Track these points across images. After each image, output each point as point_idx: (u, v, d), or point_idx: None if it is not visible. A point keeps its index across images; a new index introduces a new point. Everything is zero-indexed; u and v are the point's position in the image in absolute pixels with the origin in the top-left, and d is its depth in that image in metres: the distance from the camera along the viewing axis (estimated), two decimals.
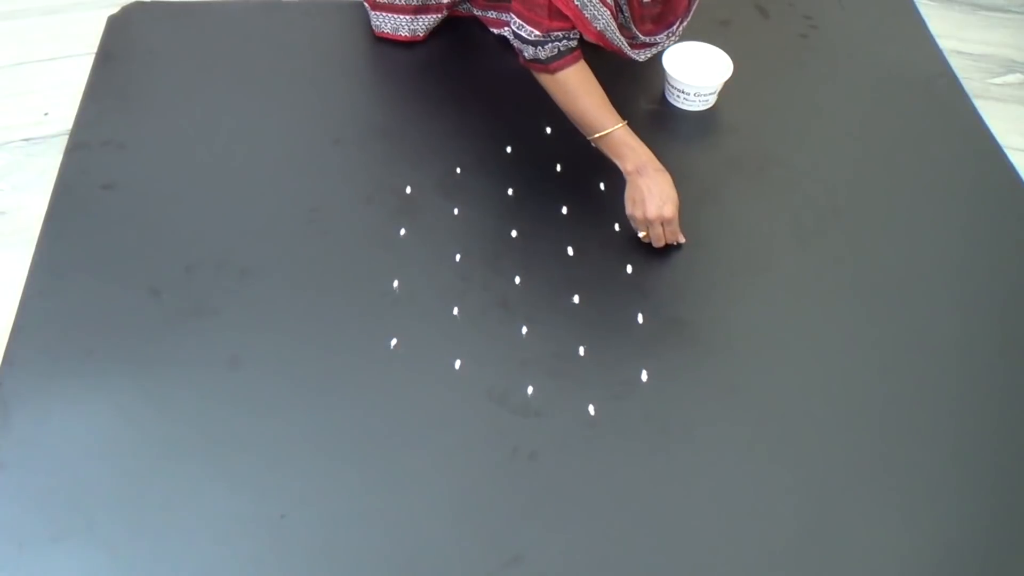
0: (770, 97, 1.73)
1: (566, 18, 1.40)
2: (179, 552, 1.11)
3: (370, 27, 1.75)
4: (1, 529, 1.11)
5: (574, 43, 1.44)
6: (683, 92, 1.64)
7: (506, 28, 1.72)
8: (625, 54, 1.54)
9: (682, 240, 1.43)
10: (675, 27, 1.58)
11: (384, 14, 1.71)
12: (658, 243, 1.41)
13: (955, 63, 1.84)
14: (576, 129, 1.48)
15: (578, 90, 1.44)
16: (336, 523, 1.14)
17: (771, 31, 1.88)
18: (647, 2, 1.49)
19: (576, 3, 1.39)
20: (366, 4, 1.73)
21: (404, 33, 1.73)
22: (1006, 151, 1.65)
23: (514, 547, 1.12)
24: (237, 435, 1.20)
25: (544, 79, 1.46)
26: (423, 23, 1.72)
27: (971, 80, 1.83)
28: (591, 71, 1.46)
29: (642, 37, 1.55)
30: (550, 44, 1.41)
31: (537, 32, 1.40)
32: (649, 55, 1.62)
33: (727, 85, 1.65)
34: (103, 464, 1.17)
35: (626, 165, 1.41)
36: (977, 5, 2.06)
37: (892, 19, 1.94)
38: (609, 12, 1.43)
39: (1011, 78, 1.89)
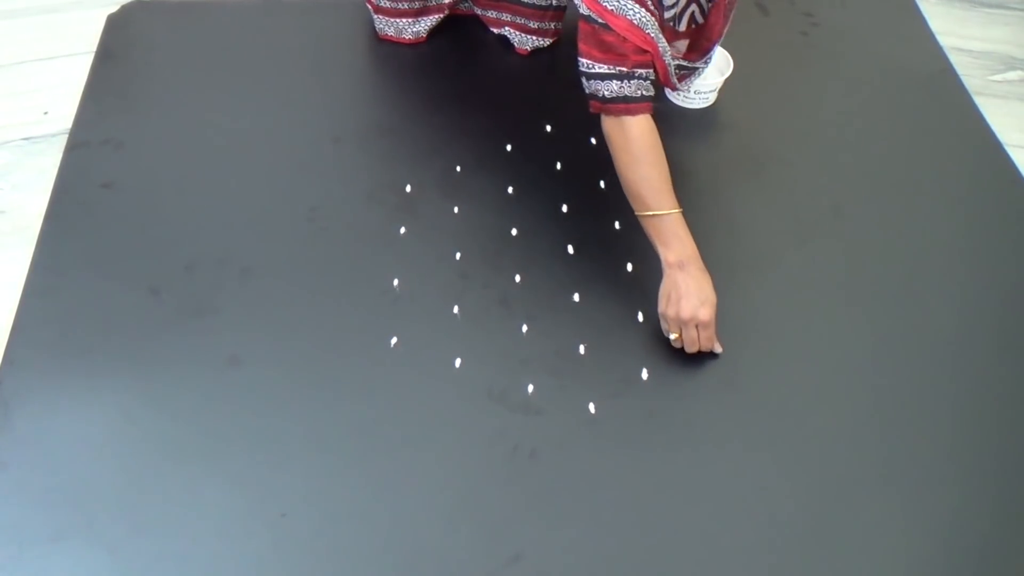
0: (770, 95, 1.73)
1: (646, 52, 1.31)
2: (179, 551, 1.11)
3: (370, 26, 1.75)
4: (1, 528, 1.11)
5: (652, 90, 1.33)
6: (683, 90, 1.64)
7: (506, 28, 1.72)
8: (675, 86, 1.48)
9: (718, 350, 1.32)
10: (710, 53, 1.53)
11: (387, 18, 1.71)
12: (691, 348, 1.30)
13: (955, 60, 1.84)
14: (577, 128, 1.48)
15: (647, 156, 1.31)
16: (336, 522, 1.14)
17: (772, 28, 1.88)
18: (683, 31, 1.42)
19: (652, 35, 1.30)
20: (368, 6, 1.73)
21: (407, 36, 1.73)
22: (1006, 148, 1.65)
23: (514, 545, 1.12)
24: (237, 434, 1.20)
25: (616, 128, 1.32)
26: (425, 24, 1.72)
27: (971, 77, 1.83)
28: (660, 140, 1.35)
29: (684, 63, 1.48)
30: (635, 80, 1.30)
31: (623, 67, 1.29)
32: (689, 85, 1.58)
33: (727, 83, 1.65)
34: (103, 463, 1.17)
35: (669, 256, 1.30)
36: (977, 2, 2.06)
37: (893, 16, 1.94)
38: (676, 43, 1.39)
39: (1011, 75, 1.89)
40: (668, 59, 1.37)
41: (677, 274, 1.29)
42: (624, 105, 1.31)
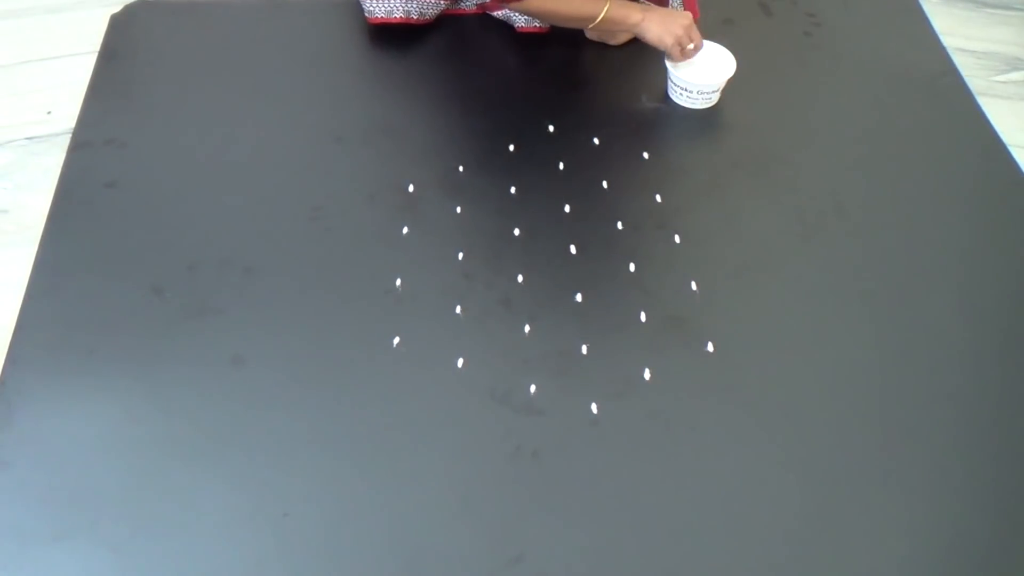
0: (773, 95, 1.73)
1: None
2: (182, 550, 1.11)
3: (365, 16, 1.74)
4: (3, 528, 1.11)
5: None
6: (686, 90, 1.64)
7: (507, 10, 1.71)
8: None
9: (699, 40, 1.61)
10: None
11: None
12: (693, 53, 1.60)
13: (959, 61, 1.83)
14: (579, 128, 1.48)
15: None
16: (339, 521, 1.14)
17: (774, 29, 1.88)
18: None
19: None
20: None
21: (398, 15, 1.70)
22: (1010, 148, 1.65)
23: (516, 546, 1.12)
24: (240, 434, 1.20)
25: (523, 6, 1.56)
26: (416, 4, 1.70)
27: (975, 78, 1.82)
28: None
29: None
30: None
31: None
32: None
33: (730, 83, 1.65)
34: (106, 463, 1.17)
35: (633, 18, 1.56)
36: (981, 3, 2.05)
37: (896, 17, 1.93)
38: None
39: (1015, 75, 1.89)
40: None
41: (651, 16, 1.57)
42: None
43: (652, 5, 1.60)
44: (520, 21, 1.73)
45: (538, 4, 1.55)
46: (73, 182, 1.48)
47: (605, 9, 1.54)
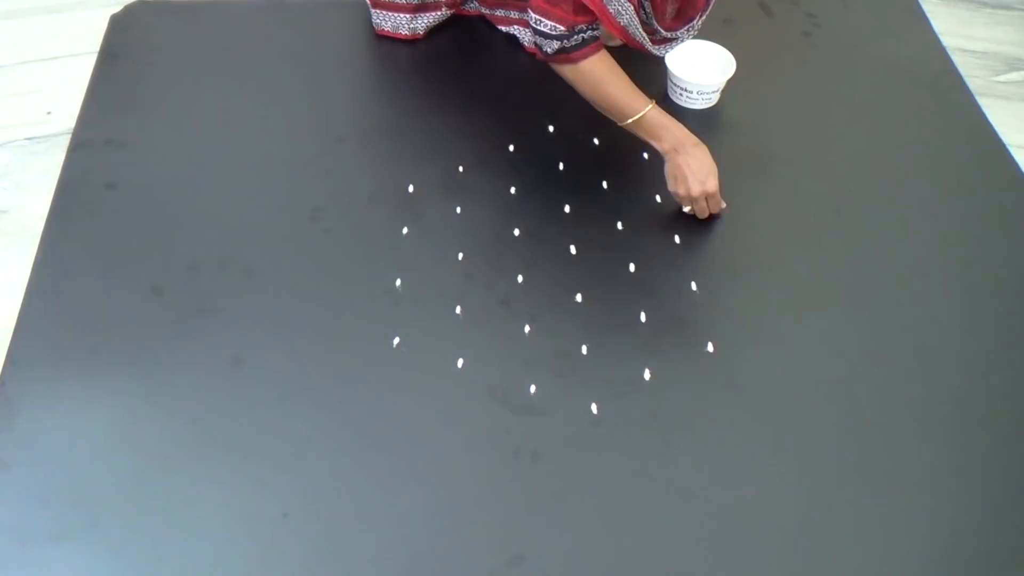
0: (773, 95, 1.73)
1: (590, 12, 1.40)
2: (182, 551, 1.11)
3: (372, 25, 1.75)
4: (3, 528, 1.11)
5: (597, 33, 1.44)
6: (686, 90, 1.64)
7: (515, 26, 1.72)
8: (646, 49, 1.54)
9: (724, 207, 1.45)
10: (695, 21, 1.59)
11: (384, 12, 1.71)
12: (703, 215, 1.44)
13: (959, 61, 1.83)
14: (580, 129, 1.48)
15: (604, 76, 1.44)
16: (339, 522, 1.14)
17: (774, 29, 1.88)
18: None
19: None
20: (367, 0, 1.73)
21: (404, 32, 1.73)
22: (1010, 148, 1.65)
23: (516, 546, 1.12)
24: (240, 434, 1.20)
25: (568, 71, 1.45)
26: (423, 21, 1.72)
27: (975, 78, 1.83)
28: (613, 58, 1.46)
29: (663, 32, 1.55)
30: (575, 36, 1.41)
31: (562, 27, 1.39)
32: (668, 51, 1.62)
33: (730, 83, 1.65)
34: (106, 463, 1.17)
35: (663, 145, 1.43)
36: (981, 3, 2.05)
37: (896, 17, 1.93)
38: (632, 7, 1.43)
39: (1015, 75, 1.89)
40: (625, 21, 1.44)
41: (677, 157, 1.41)
42: (565, 56, 1.43)
43: (693, 145, 1.42)
44: (525, 40, 1.73)
45: (574, 75, 1.45)
46: (73, 182, 1.48)
47: (643, 112, 1.42)
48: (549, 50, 1.43)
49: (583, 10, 1.39)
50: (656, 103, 1.43)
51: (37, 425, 1.20)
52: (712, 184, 1.41)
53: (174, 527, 1.12)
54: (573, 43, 1.41)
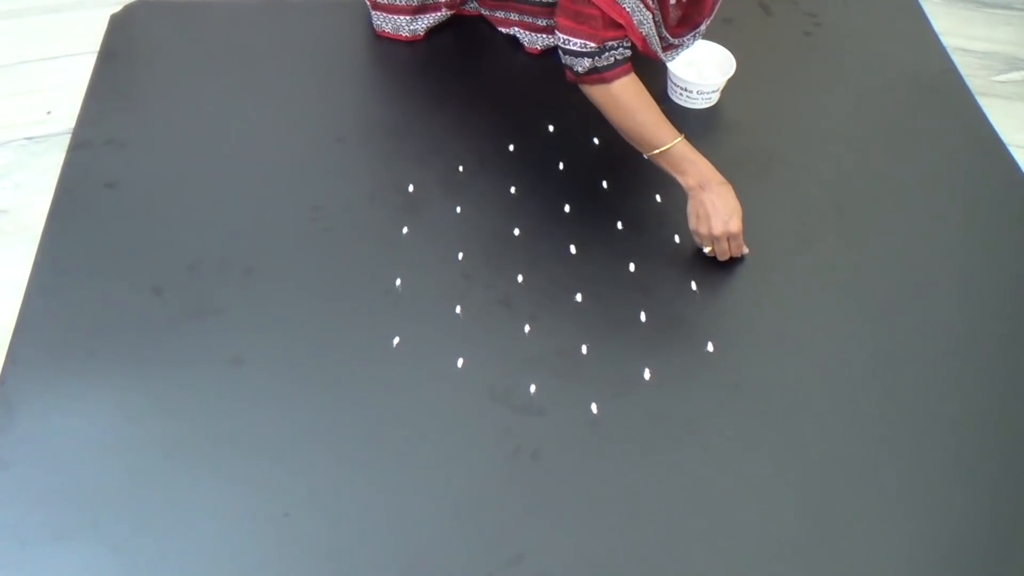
0: (773, 95, 1.73)
1: (620, 27, 1.36)
2: (182, 551, 1.11)
3: (372, 25, 1.75)
4: (4, 527, 1.11)
5: (628, 52, 1.40)
6: (686, 90, 1.64)
7: (515, 27, 1.72)
8: (658, 57, 1.52)
9: (746, 251, 1.40)
10: (701, 27, 1.57)
11: (384, 14, 1.71)
12: (723, 257, 1.39)
13: (959, 60, 1.83)
14: (579, 128, 1.48)
15: (634, 103, 1.39)
16: (339, 521, 1.14)
17: (774, 29, 1.88)
18: (674, 3, 1.46)
19: (627, 9, 1.36)
20: (367, 2, 1.73)
21: (405, 33, 1.73)
22: (1010, 148, 1.65)
23: (516, 546, 1.12)
24: (240, 434, 1.20)
25: (598, 92, 1.40)
26: (423, 23, 1.72)
27: (975, 78, 1.83)
28: (641, 83, 1.42)
29: (671, 39, 1.53)
30: (607, 54, 1.37)
31: (593, 44, 1.36)
32: (674, 57, 1.61)
33: (730, 83, 1.65)
34: (106, 463, 1.17)
35: (688, 180, 1.37)
36: (981, 3, 2.06)
37: (896, 16, 1.93)
38: (651, 16, 1.41)
39: (1015, 75, 1.89)
40: (646, 31, 1.41)
41: (700, 194, 1.36)
42: (598, 75, 1.39)
43: (718, 183, 1.37)
44: (525, 41, 1.73)
45: (604, 99, 1.40)
46: (73, 182, 1.48)
47: (671, 144, 1.37)
48: (580, 69, 1.38)
49: (612, 25, 1.36)
50: (685, 137, 1.39)
51: (37, 424, 1.20)
52: (736, 225, 1.36)
53: (174, 527, 1.12)
54: (605, 61, 1.37)
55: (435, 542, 1.13)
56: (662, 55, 1.53)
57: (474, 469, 1.19)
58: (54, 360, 1.26)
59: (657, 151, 1.38)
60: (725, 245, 1.37)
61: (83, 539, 1.11)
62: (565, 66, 1.41)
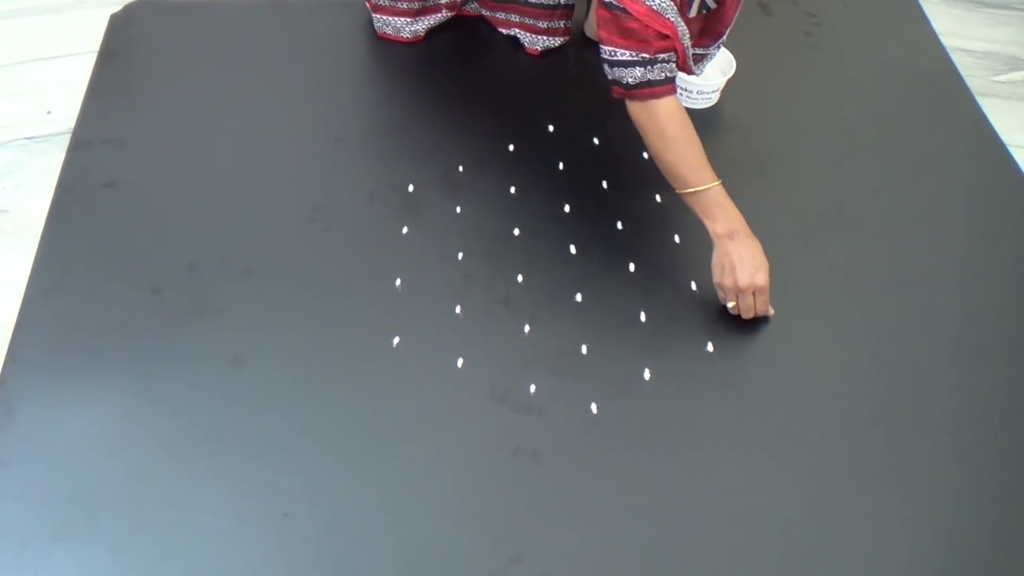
0: (773, 95, 1.73)
1: (667, 37, 1.31)
2: (182, 551, 1.11)
3: (372, 26, 1.75)
4: (3, 527, 1.11)
5: (675, 70, 1.35)
6: (686, 90, 1.64)
7: (515, 28, 1.72)
8: (691, 70, 1.48)
9: (771, 312, 1.35)
10: (723, 36, 1.55)
11: (385, 17, 1.71)
12: (747, 314, 1.33)
13: (959, 60, 1.84)
14: (579, 128, 1.48)
15: (680, 134, 1.34)
16: (339, 521, 1.14)
17: (774, 29, 1.88)
18: (693, 16, 1.41)
19: (671, 20, 1.30)
20: (367, 5, 1.73)
21: (406, 35, 1.73)
22: (1009, 148, 1.65)
23: (516, 545, 1.12)
24: (240, 434, 1.20)
25: (645, 112, 1.34)
26: (424, 24, 1.72)
27: (975, 78, 1.83)
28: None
29: (695, 50, 1.49)
30: (658, 66, 1.31)
31: (645, 54, 1.30)
32: (703, 69, 1.57)
33: (730, 83, 1.65)
34: (106, 463, 1.17)
35: (716, 227, 1.32)
36: (981, 3, 2.05)
37: (896, 16, 1.93)
38: (688, 28, 1.37)
39: (1015, 75, 1.88)
40: (687, 42, 1.37)
41: (728, 244, 1.31)
42: (650, 90, 1.32)
43: (747, 236, 1.32)
44: (525, 41, 1.73)
45: (643, 118, 1.35)
46: (73, 182, 1.48)
47: (707, 186, 1.31)
48: (632, 81, 1.31)
49: (660, 36, 1.30)
50: (722, 183, 1.33)
51: (37, 424, 1.20)
52: (763, 279, 1.30)
53: (174, 526, 1.12)
54: (657, 75, 1.31)
55: (435, 542, 1.13)
56: (694, 68, 1.50)
57: (474, 469, 1.19)
58: (54, 360, 1.27)
59: (691, 190, 1.33)
60: (750, 300, 1.31)
61: (83, 539, 1.11)
62: (612, 81, 1.34)
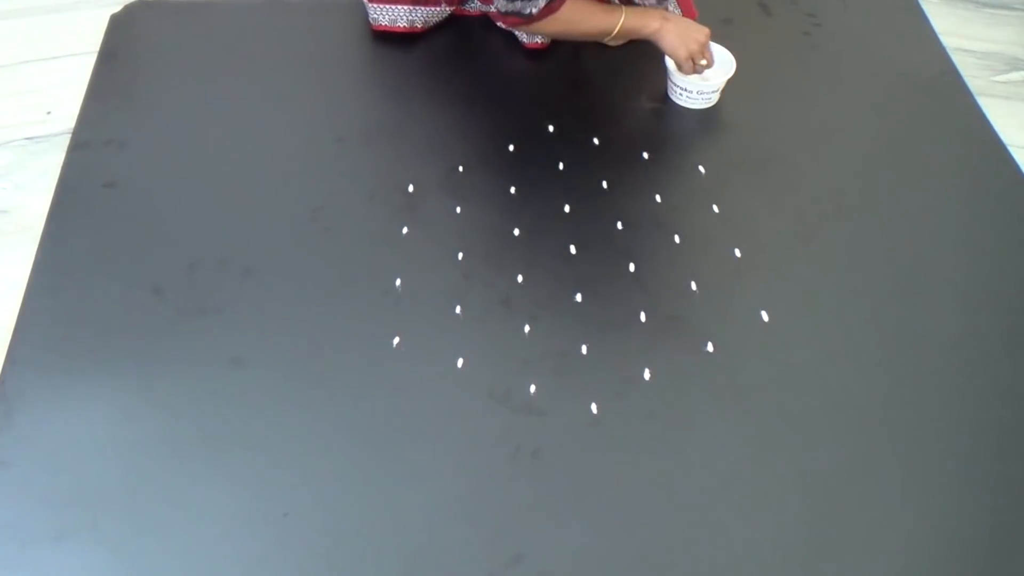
0: (773, 95, 1.73)
1: None
2: (182, 551, 1.11)
3: (370, 23, 1.74)
4: (3, 528, 1.11)
5: None
6: (686, 90, 1.64)
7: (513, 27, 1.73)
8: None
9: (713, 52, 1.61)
10: None
11: (382, 6, 1.71)
12: (711, 65, 1.60)
13: (959, 61, 1.83)
14: (579, 128, 1.48)
15: (580, 14, 1.53)
16: (339, 522, 1.14)
17: (774, 29, 1.88)
18: None
19: None
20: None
21: (402, 24, 1.72)
22: (1009, 148, 1.65)
23: (516, 546, 1.12)
24: (240, 434, 1.20)
25: (555, 24, 1.53)
26: (421, 14, 1.71)
27: (975, 78, 1.83)
28: None
29: None
30: None
31: None
32: (669, 5, 1.70)
33: (730, 83, 1.65)
34: (106, 463, 1.17)
35: (652, 24, 1.55)
36: (981, 3, 2.06)
37: (896, 17, 1.93)
38: None
39: (1015, 75, 1.89)
40: None
41: (666, 25, 1.56)
42: (548, 9, 1.49)
43: (673, 15, 1.59)
44: (524, 37, 1.73)
45: (554, 26, 1.55)
46: (73, 182, 1.48)
47: (620, 21, 1.54)
48: (535, 10, 1.49)
49: None
50: (625, 7, 1.55)
51: (37, 424, 1.20)
52: (703, 34, 1.56)
53: (174, 527, 1.12)
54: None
55: (435, 542, 1.13)
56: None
57: (474, 469, 1.19)
58: (54, 360, 1.27)
59: (615, 31, 1.55)
60: (700, 58, 1.57)
61: (83, 539, 1.11)
62: (511, 14, 1.51)
